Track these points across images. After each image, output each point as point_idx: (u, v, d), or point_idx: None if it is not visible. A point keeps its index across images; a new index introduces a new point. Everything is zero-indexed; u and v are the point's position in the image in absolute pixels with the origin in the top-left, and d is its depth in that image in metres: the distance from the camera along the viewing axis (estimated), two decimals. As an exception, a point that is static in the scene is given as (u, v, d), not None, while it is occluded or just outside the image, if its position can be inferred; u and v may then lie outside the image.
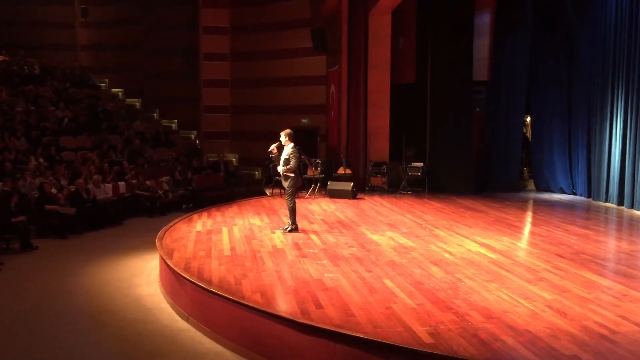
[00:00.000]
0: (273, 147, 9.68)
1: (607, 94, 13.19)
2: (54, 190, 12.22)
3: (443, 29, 15.16)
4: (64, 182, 13.05)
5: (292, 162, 9.45)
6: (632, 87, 12.42)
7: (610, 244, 9.24)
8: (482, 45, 15.53)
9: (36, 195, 11.97)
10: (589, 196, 13.90)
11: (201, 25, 19.72)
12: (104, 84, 22.15)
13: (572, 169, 14.70)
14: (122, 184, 14.33)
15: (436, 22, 15.26)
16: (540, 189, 15.53)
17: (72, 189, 12.56)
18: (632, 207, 12.28)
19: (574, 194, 14.57)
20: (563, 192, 14.87)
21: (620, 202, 12.67)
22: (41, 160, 13.97)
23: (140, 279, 8.76)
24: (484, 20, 15.51)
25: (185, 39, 20.34)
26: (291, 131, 9.61)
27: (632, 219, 11.54)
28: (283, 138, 9.52)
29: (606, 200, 13.14)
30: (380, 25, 15.38)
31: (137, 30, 21.53)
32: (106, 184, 13.76)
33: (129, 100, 21.57)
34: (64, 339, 6.45)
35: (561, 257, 8.01)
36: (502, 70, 15.57)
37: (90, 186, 13.09)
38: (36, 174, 12.90)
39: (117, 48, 22.20)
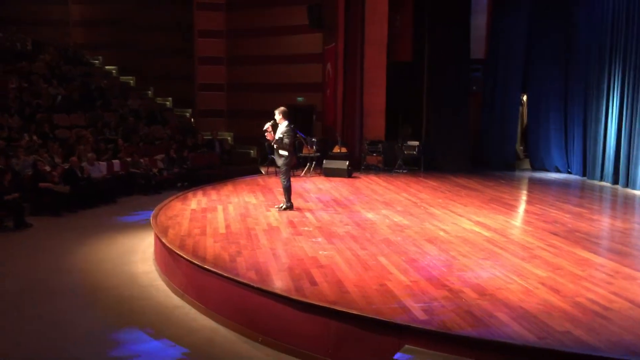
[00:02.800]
0: (268, 126, 9.57)
1: (604, 72, 13.16)
2: (47, 168, 12.15)
3: (440, 7, 15.04)
4: (57, 159, 12.97)
5: (286, 140, 9.39)
6: (628, 66, 12.39)
7: (604, 222, 9.26)
8: (479, 24, 15.42)
9: (30, 173, 11.90)
10: (584, 175, 13.94)
11: (195, 1, 19.48)
12: (97, 61, 21.93)
13: (568, 148, 14.71)
14: (116, 161, 14.26)
15: (433, -1, 15.13)
16: (535, 167, 15.56)
17: (66, 167, 12.49)
18: (626, 185, 12.33)
19: (569, 172, 14.61)
20: (558, 171, 14.90)
21: (615, 181, 12.71)
22: (35, 137, 13.87)
23: (135, 256, 8.75)
24: (481, -2, 15.40)
25: (180, 15, 20.09)
26: (285, 109, 9.52)
27: (626, 197, 11.58)
28: (277, 116, 9.44)
29: (601, 179, 13.17)
30: (378, 2, 15.24)
31: (130, 6, 21.23)
32: (100, 162, 13.70)
33: (123, 78, 21.37)
34: (59, 316, 6.45)
35: (555, 235, 8.03)
36: (499, 48, 15.49)
37: (84, 164, 13.02)
38: (29, 151, 12.81)
39: (110, 24, 21.91)
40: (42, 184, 11.62)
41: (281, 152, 9.49)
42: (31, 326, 6.19)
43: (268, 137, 9.61)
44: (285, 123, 9.41)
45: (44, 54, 19.59)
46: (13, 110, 15.01)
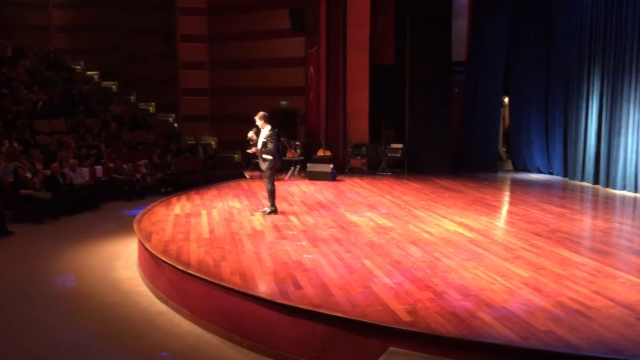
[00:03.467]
0: (251, 135, 9.58)
1: (583, 74, 13.31)
2: (29, 175, 12.03)
3: (421, 10, 15.09)
4: (39, 166, 12.85)
5: (270, 145, 9.38)
6: (607, 68, 12.56)
7: (586, 222, 9.37)
8: (460, 26, 15.52)
9: (11, 180, 11.77)
10: (565, 175, 14.08)
11: (178, 5, 19.42)
12: (79, 67, 21.76)
13: (549, 149, 14.85)
14: (99, 167, 14.16)
15: (415, 2, 15.19)
16: (517, 169, 15.68)
17: (48, 173, 12.37)
18: (607, 185, 12.48)
19: (551, 173, 14.74)
20: (540, 171, 15.03)
21: (596, 181, 12.85)
22: (15, 144, 13.72)
23: (119, 262, 8.69)
24: (462, 1, 15.50)
25: (162, 19, 20.01)
26: (265, 113, 9.50)
27: (607, 197, 11.72)
28: (258, 121, 9.43)
29: (582, 180, 13.31)
30: (359, 6, 15.26)
31: (112, 11, 21.10)
32: (83, 168, 13.59)
33: (105, 83, 21.24)
34: (42, 323, 6.40)
35: (538, 235, 8.11)
36: (480, 51, 15.60)
37: (66, 170, 12.91)
38: (10, 158, 12.67)
39: (92, 29, 21.77)
40: (23, 191, 11.51)
41: (265, 156, 9.48)
42: (15, 334, 6.12)
43: (252, 151, 9.59)
44: (268, 127, 9.41)
45: (25, 60, 19.40)
46: (-7, 117, 14.85)
